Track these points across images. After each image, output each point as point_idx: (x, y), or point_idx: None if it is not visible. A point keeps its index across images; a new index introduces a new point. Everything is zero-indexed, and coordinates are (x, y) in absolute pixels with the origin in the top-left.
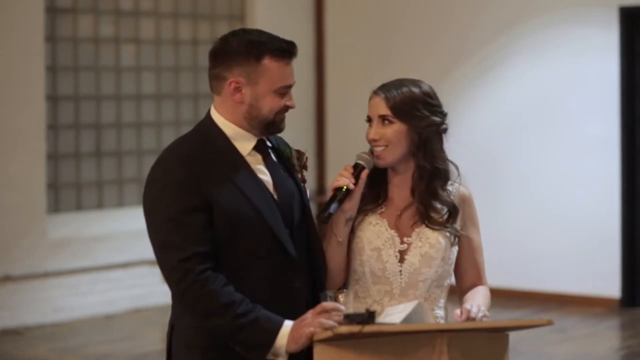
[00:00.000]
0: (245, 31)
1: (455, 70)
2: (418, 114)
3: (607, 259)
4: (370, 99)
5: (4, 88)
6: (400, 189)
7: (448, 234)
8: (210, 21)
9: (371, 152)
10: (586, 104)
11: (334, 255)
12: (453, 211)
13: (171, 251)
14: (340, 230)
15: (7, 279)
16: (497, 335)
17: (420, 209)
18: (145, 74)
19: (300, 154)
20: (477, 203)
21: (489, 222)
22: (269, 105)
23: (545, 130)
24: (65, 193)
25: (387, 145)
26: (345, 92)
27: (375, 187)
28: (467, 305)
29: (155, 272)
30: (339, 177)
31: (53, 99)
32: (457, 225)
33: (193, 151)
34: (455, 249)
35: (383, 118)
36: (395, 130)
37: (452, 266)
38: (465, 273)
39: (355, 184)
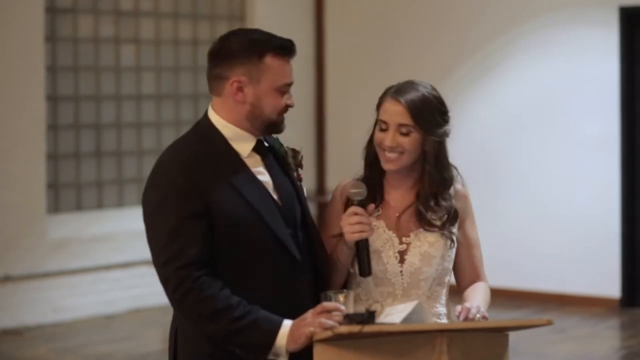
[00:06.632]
0: (245, 30)
1: (455, 70)
2: (435, 123)
3: (607, 259)
4: (386, 101)
5: (4, 88)
6: (397, 191)
7: (445, 235)
8: (210, 21)
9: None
10: (586, 104)
11: (339, 276)
12: (453, 215)
13: (168, 259)
14: (348, 260)
15: (7, 279)
16: (497, 335)
17: (420, 211)
18: (145, 74)
19: (295, 152)
20: (476, 203)
21: (489, 222)
22: (271, 104)
23: (545, 130)
24: (65, 193)
25: (401, 153)
26: (345, 92)
27: (371, 189)
28: (466, 305)
29: (155, 272)
30: (356, 225)
31: (53, 99)
32: (455, 228)
33: (192, 155)
34: (454, 248)
35: (401, 126)
36: (413, 139)
37: (452, 264)
38: (463, 270)
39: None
